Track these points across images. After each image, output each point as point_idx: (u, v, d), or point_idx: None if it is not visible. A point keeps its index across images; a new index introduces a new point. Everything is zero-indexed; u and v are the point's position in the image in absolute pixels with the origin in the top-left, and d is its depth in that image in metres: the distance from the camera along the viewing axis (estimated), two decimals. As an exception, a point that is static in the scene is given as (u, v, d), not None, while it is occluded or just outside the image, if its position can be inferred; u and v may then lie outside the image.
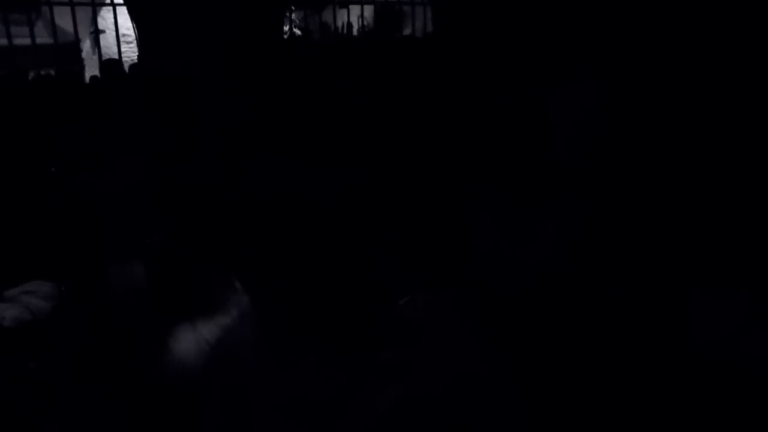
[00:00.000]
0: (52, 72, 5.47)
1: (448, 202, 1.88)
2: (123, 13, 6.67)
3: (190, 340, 1.69)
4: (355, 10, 9.57)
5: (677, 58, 2.07)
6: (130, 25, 6.34)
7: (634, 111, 1.97)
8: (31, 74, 5.00)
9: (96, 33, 8.30)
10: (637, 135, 1.92)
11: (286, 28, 8.28)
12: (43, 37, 7.63)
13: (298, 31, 9.98)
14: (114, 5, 7.27)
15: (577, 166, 1.92)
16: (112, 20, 7.39)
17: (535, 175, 1.87)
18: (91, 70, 7.88)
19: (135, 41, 6.69)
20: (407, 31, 8.89)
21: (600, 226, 1.76)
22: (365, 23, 10.02)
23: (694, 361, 1.62)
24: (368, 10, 9.41)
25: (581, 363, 1.66)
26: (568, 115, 2.02)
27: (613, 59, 2.15)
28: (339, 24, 10.22)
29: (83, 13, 7.74)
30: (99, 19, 8.62)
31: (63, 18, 7.34)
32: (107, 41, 8.53)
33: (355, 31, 10.16)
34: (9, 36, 6.83)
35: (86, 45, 9.22)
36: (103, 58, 7.61)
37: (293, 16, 9.56)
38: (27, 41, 7.04)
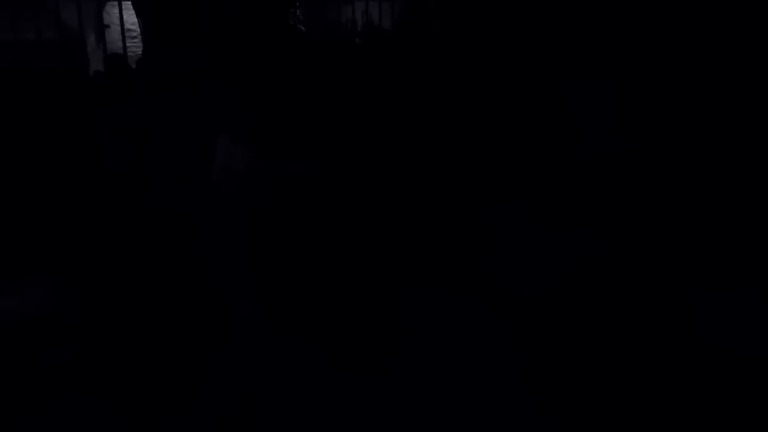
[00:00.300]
0: (58, 66, 5.49)
1: (468, 204, 1.87)
2: (128, 9, 6.67)
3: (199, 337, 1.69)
4: (360, 6, 9.55)
5: (694, 55, 2.06)
6: (135, 20, 6.35)
7: (649, 108, 1.96)
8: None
9: (101, 28, 8.31)
10: (651, 132, 1.91)
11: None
12: (48, 32, 7.64)
13: (302, 27, 9.95)
14: (119, 1, 7.29)
15: (597, 161, 1.90)
16: (117, 15, 7.41)
17: (558, 179, 1.86)
18: (96, 64, 7.89)
19: (139, 36, 6.69)
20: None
21: (615, 232, 1.76)
22: (370, 19, 10.00)
23: (702, 353, 1.63)
24: (372, 6, 9.39)
25: (593, 360, 1.66)
26: (588, 108, 2.00)
27: (630, 55, 2.14)
28: (343, 20, 10.19)
29: (88, 9, 7.75)
30: (104, 14, 8.63)
31: (68, 13, 7.36)
32: (112, 36, 8.54)
33: (359, 27, 10.13)
34: (15, 30, 6.85)
35: (91, 40, 9.24)
36: (108, 53, 7.62)
37: (297, 12, 9.53)
38: (32, 36, 7.06)
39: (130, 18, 6.77)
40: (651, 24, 2.18)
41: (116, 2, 7.35)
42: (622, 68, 2.04)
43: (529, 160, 1.88)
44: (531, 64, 2.27)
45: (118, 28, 7.37)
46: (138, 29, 6.45)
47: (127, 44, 7.33)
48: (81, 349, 1.58)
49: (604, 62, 2.10)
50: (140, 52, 6.36)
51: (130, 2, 6.55)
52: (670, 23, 2.15)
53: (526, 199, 1.85)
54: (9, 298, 1.51)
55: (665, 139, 1.86)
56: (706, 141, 1.83)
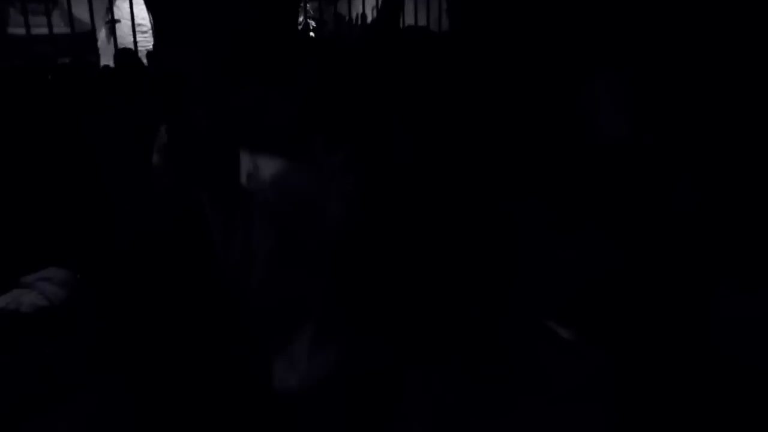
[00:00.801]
0: (69, 62, 5.52)
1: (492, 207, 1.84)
2: (138, 3, 6.70)
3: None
4: (370, 1, 9.54)
5: (701, 52, 2.04)
6: (146, 15, 6.36)
7: (661, 104, 1.94)
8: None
9: (112, 23, 8.35)
10: (668, 124, 1.88)
11: (300, 19, 8.28)
12: (59, 27, 7.68)
13: (312, 23, 9.96)
14: (130, -5, 7.31)
15: (613, 153, 1.86)
16: (128, 10, 7.43)
17: (574, 173, 1.83)
18: (106, 59, 7.93)
19: (150, 31, 6.71)
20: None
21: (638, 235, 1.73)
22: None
23: (717, 361, 1.61)
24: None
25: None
26: (603, 102, 1.97)
27: (637, 51, 2.12)
28: (353, 15, 10.18)
29: (99, 3, 7.78)
30: (114, 9, 8.66)
31: (79, 8, 7.40)
32: (122, 31, 8.57)
33: (369, 22, 10.12)
34: (27, 25, 6.89)
35: (102, 34, 9.28)
36: (118, 48, 7.67)
37: (308, 6, 9.53)
38: (44, 31, 7.10)
39: (141, 12, 6.80)
40: (662, 17, 2.16)
41: (127, -3, 7.39)
42: (636, 61, 2.01)
43: (544, 156, 1.87)
44: (542, 60, 2.25)
45: (129, 23, 7.41)
46: (148, 24, 6.46)
47: (138, 39, 7.36)
48: (97, 337, 1.59)
49: (616, 56, 2.07)
50: (151, 47, 6.38)
51: (140, -3, 6.58)
52: (682, 16, 2.13)
53: (541, 201, 1.83)
54: (20, 292, 1.52)
55: (684, 131, 1.84)
56: (727, 135, 1.80)
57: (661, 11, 2.15)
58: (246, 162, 1.32)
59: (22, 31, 6.98)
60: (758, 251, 1.66)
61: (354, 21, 10.24)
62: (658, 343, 1.63)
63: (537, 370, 1.60)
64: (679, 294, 1.67)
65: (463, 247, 1.80)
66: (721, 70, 1.95)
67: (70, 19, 7.33)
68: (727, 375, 1.57)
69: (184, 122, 1.37)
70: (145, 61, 5.71)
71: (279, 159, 1.28)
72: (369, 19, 10.10)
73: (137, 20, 7.36)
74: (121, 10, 8.63)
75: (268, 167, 1.30)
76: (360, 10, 9.78)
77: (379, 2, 9.40)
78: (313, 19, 10.00)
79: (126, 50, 5.88)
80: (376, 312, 1.55)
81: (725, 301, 1.66)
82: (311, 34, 9.87)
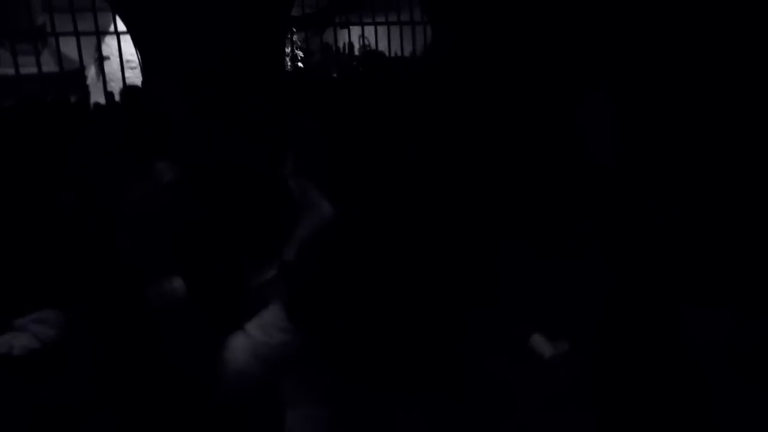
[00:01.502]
0: (60, 99, 5.53)
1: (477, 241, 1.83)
2: (126, 40, 6.76)
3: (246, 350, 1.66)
4: (356, 30, 9.67)
5: (689, 66, 2.06)
6: (134, 51, 6.41)
7: (653, 120, 1.95)
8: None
9: (100, 60, 8.40)
10: (655, 144, 1.89)
11: (287, 50, 8.38)
12: (49, 66, 7.73)
13: (300, 53, 10.08)
14: (117, 33, 7.37)
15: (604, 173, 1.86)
16: (116, 47, 7.50)
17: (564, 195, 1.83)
18: (96, 95, 7.96)
19: (139, 67, 6.75)
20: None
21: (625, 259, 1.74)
22: (366, 43, 10.11)
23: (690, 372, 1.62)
24: (369, 31, 9.49)
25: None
26: (595, 122, 1.97)
27: (624, 70, 2.14)
28: (340, 44, 10.31)
29: (88, 41, 7.84)
30: (103, 47, 8.73)
31: (68, 46, 7.45)
32: (111, 67, 8.63)
33: (356, 51, 10.25)
34: (16, 65, 6.92)
35: (91, 71, 9.33)
36: (107, 85, 7.70)
37: (294, 37, 9.65)
38: (34, 70, 7.13)
39: (129, 49, 6.85)
40: (655, 35, 2.19)
41: (115, 35, 7.44)
42: (626, 81, 2.03)
43: (536, 177, 1.87)
44: (536, 80, 2.26)
45: (118, 60, 7.46)
46: (136, 60, 6.50)
47: (127, 75, 7.41)
48: (88, 378, 1.57)
49: (608, 76, 2.09)
50: (140, 83, 6.43)
51: (128, 34, 6.63)
52: (674, 34, 2.16)
53: (529, 232, 1.83)
54: (13, 335, 1.50)
55: (669, 151, 1.85)
56: (710, 153, 1.82)
57: (645, 43, 2.19)
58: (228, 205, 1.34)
59: (12, 71, 7.01)
60: (729, 274, 1.67)
61: (341, 50, 10.36)
62: (631, 360, 1.64)
63: (509, 394, 1.61)
64: (652, 313, 1.68)
65: (444, 281, 1.80)
66: (703, 96, 1.98)
67: (59, 57, 7.37)
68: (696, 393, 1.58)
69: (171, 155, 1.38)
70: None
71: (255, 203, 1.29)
72: (356, 47, 10.23)
73: (126, 56, 7.40)
74: (109, 47, 8.70)
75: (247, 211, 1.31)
76: (346, 40, 9.90)
77: (365, 30, 9.53)
78: (300, 50, 10.12)
79: (134, 88, 5.79)
80: (357, 352, 1.56)
81: (695, 320, 1.67)
82: (299, 64, 9.98)
